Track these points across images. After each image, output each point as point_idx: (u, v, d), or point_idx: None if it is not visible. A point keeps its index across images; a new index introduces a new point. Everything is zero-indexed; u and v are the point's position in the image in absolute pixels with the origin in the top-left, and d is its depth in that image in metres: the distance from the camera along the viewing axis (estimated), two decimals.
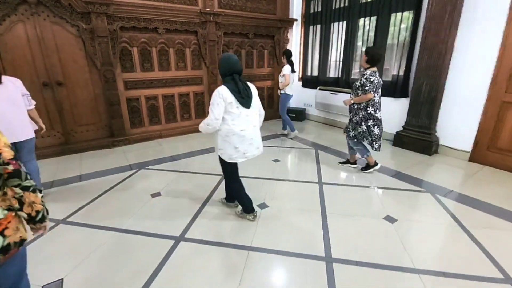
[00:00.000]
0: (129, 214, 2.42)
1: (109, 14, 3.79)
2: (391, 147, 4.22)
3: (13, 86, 2.32)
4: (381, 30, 4.28)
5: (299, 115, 5.93)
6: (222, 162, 2.17)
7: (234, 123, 2.00)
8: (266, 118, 5.26)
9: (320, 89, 5.51)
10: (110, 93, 4.09)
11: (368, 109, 2.95)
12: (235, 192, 2.33)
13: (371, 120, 2.97)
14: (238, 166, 2.27)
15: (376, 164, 3.26)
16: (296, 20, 5.70)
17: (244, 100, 2.00)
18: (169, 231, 2.18)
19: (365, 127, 3.01)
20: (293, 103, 6.18)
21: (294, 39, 5.88)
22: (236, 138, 2.04)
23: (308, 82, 5.87)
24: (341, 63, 5.08)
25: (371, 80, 2.80)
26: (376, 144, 3.08)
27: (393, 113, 4.36)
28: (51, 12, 3.55)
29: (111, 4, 3.74)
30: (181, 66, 4.71)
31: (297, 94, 6.09)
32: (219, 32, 4.85)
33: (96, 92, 4.07)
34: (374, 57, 2.84)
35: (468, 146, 3.61)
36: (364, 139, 3.09)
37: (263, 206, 2.57)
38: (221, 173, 2.42)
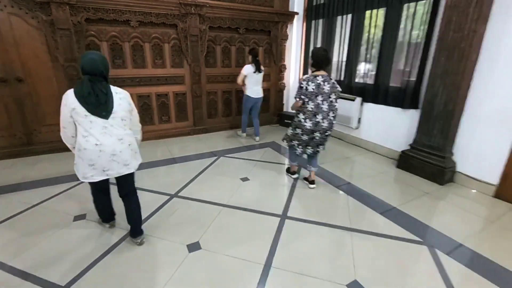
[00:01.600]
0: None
1: (72, 4, 3.42)
2: (393, 169, 3.43)
3: None
4: (391, 25, 3.47)
5: None
6: None
7: (86, 134, 1.64)
8: (260, 123, 4.81)
9: None
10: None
11: (298, 115, 2.64)
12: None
13: (299, 129, 2.65)
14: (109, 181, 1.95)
15: (294, 173, 3.14)
16: (297, 13, 5.00)
17: (94, 107, 1.60)
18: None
19: (292, 132, 2.79)
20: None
21: (295, 35, 5.19)
22: (89, 154, 1.66)
23: None
24: (343, 63, 4.32)
25: (301, 85, 2.51)
26: (300, 148, 2.77)
27: (399, 127, 3.56)
28: (11, 4, 3.24)
29: None
30: (159, 63, 4.25)
31: None
32: (203, 26, 4.31)
33: (60, 90, 3.74)
34: (318, 58, 2.48)
35: (494, 178, 2.75)
36: (292, 141, 2.83)
37: (193, 247, 2.00)
38: None
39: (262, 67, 4.05)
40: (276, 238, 2.12)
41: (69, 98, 1.59)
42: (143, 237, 2.03)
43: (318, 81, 2.45)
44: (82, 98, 1.57)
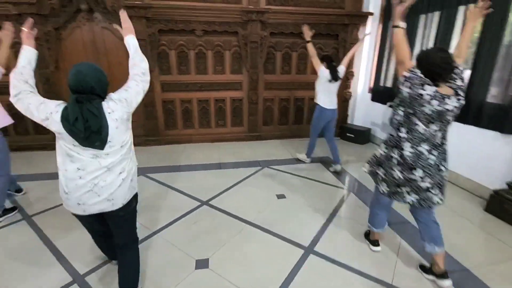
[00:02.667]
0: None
1: (148, 17, 3.86)
2: (480, 212, 2.59)
3: None
4: (493, 21, 2.64)
5: (361, 136, 4.62)
6: None
7: (70, 155, 1.27)
8: (306, 135, 4.40)
9: (390, 106, 4.06)
10: (147, 94, 4.21)
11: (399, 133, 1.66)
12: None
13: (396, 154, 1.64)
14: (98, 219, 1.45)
15: (375, 243, 2.07)
16: (371, 14, 4.40)
17: (83, 138, 1.22)
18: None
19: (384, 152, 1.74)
20: (358, 120, 4.90)
21: (367, 38, 4.58)
22: (67, 179, 1.29)
23: (379, 95, 4.48)
24: None
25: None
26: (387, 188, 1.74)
27: (494, 157, 2.69)
28: (103, 19, 3.89)
29: (151, 7, 3.78)
30: (219, 70, 4.40)
31: (365, 109, 4.79)
32: (265, 32, 4.24)
33: None
34: (435, 65, 1.49)
35: None
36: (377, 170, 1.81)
37: (201, 264, 1.91)
38: None
39: (340, 74, 3.26)
40: (292, 273, 1.84)
41: (54, 118, 1.21)
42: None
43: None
44: (68, 126, 1.19)
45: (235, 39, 4.27)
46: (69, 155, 1.27)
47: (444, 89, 1.48)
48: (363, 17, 4.42)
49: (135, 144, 4.35)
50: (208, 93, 4.47)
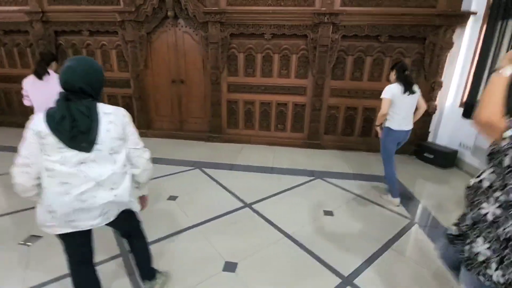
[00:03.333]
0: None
1: (222, 22, 4.09)
2: None
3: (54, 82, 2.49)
4: None
5: (444, 158, 3.86)
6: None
7: (49, 169, 1.13)
8: (373, 149, 3.92)
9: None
10: (214, 94, 4.51)
11: None
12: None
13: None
14: (75, 245, 1.30)
15: None
16: (474, 13, 3.63)
17: (68, 137, 1.10)
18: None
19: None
20: (443, 139, 4.13)
21: (466, 42, 3.81)
22: (51, 196, 1.14)
23: (473, 110, 3.66)
24: None
25: None
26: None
27: None
28: (184, 24, 4.33)
29: (225, 12, 4.01)
30: (284, 73, 4.35)
31: (453, 126, 4.01)
32: (336, 35, 3.98)
33: (205, 92, 4.62)
34: None
35: None
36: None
37: (229, 267, 1.89)
38: None
39: (416, 87, 2.68)
40: None
41: (37, 124, 1.11)
42: (155, 283, 1.64)
43: None
44: (53, 124, 1.09)
45: (303, 43, 4.14)
46: (48, 169, 1.12)
47: None
48: (462, 17, 3.69)
49: (199, 139, 4.60)
50: (271, 96, 4.47)
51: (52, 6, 4.45)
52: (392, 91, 2.61)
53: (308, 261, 1.99)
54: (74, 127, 1.10)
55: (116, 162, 1.24)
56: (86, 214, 1.20)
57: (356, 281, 1.81)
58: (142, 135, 4.35)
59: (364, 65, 4.18)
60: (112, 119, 1.21)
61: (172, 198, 2.80)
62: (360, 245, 2.18)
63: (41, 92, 2.51)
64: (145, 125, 4.89)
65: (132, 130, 1.31)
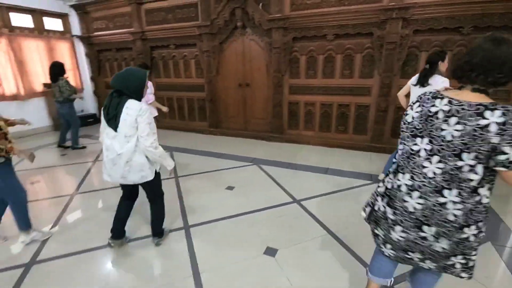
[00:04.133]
0: None
1: (285, 27, 4.30)
2: None
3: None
4: None
5: None
6: None
7: (104, 136, 1.83)
8: None
9: None
10: (276, 96, 4.75)
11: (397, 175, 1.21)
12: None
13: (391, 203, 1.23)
14: (124, 188, 2.05)
15: None
16: None
17: (106, 119, 1.76)
18: None
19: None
20: None
21: None
22: (104, 154, 1.85)
23: None
24: None
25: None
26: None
27: None
28: (251, 32, 4.71)
29: (288, 18, 4.21)
30: (347, 74, 4.25)
31: None
32: (406, 30, 3.69)
33: (268, 94, 4.91)
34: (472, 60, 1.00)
35: None
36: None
37: (269, 252, 2.06)
38: None
39: (430, 80, 2.58)
40: None
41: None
42: (159, 240, 2.16)
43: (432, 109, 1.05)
44: (103, 110, 1.78)
45: (369, 41, 3.97)
46: (104, 137, 1.84)
47: None
48: None
49: (261, 138, 4.96)
50: (332, 97, 4.43)
51: (149, 26, 5.49)
52: (411, 79, 2.81)
53: (347, 259, 1.99)
54: (108, 114, 1.74)
55: (129, 142, 1.75)
56: (115, 173, 1.81)
57: (397, 287, 1.74)
58: (211, 133, 4.99)
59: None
60: (129, 112, 1.70)
61: (230, 188, 3.15)
62: None
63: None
64: (215, 125, 5.49)
65: (143, 121, 1.72)
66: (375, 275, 1.46)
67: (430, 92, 1.11)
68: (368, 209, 1.36)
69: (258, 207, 2.71)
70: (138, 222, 2.48)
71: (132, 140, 1.74)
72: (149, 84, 3.21)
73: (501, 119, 0.89)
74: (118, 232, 2.10)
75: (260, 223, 2.44)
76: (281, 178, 3.38)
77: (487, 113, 0.91)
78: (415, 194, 1.08)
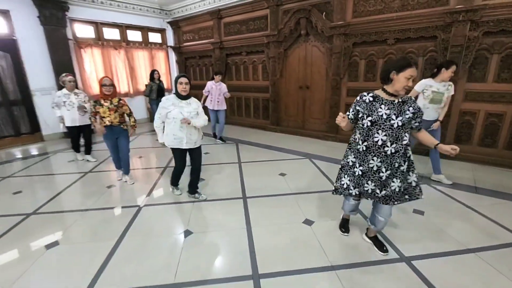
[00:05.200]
0: None
1: (346, 34, 4.60)
2: None
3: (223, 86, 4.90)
4: None
5: None
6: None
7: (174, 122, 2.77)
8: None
9: None
10: (333, 98, 5.07)
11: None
12: None
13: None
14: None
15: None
16: None
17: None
18: None
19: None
20: None
21: None
22: (173, 132, 2.76)
23: None
24: None
25: None
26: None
27: None
28: (313, 39, 5.15)
29: (349, 25, 4.51)
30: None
31: None
32: (475, 33, 3.58)
33: (326, 96, 5.25)
34: None
35: None
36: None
37: (307, 222, 2.51)
38: None
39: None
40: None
41: (170, 98, 2.69)
42: (197, 196, 3.03)
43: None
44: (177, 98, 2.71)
45: (432, 44, 3.96)
46: (175, 123, 2.70)
47: None
48: None
49: (316, 137, 5.46)
50: None
51: (226, 37, 6.45)
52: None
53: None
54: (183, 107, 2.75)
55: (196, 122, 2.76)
56: (187, 140, 2.78)
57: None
58: (272, 130, 5.76)
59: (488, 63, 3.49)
60: (195, 104, 2.80)
61: (282, 174, 3.68)
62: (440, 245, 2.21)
63: (215, 90, 4.43)
64: (276, 123, 6.10)
65: (202, 113, 2.83)
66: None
67: None
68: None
69: (304, 190, 3.18)
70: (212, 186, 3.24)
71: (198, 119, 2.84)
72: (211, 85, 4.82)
73: None
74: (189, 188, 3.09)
75: (304, 202, 2.90)
76: (328, 170, 3.75)
77: None
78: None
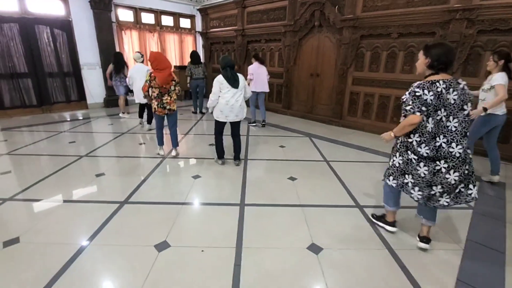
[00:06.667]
0: None
1: (354, 26, 5.00)
2: None
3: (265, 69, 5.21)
4: None
5: None
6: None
7: (224, 97, 3.25)
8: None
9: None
10: (340, 85, 5.52)
11: (411, 136, 1.86)
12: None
13: (412, 153, 1.87)
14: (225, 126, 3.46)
15: (392, 224, 2.24)
16: None
17: (232, 83, 3.19)
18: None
19: (399, 160, 1.96)
20: None
21: None
22: (222, 106, 3.27)
23: None
24: None
25: (417, 94, 1.74)
26: (417, 193, 1.92)
27: None
28: (326, 30, 5.58)
29: (357, 18, 4.90)
30: (407, 69, 4.65)
31: None
32: (470, 30, 3.87)
33: (334, 83, 5.71)
34: (444, 56, 1.74)
35: None
36: (392, 178, 2.05)
37: (291, 179, 3.14)
38: None
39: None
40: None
41: (220, 79, 3.16)
42: (238, 162, 3.55)
43: (438, 89, 1.72)
44: (227, 79, 3.15)
45: (431, 39, 4.28)
46: (224, 96, 3.23)
47: None
48: None
49: (322, 121, 6.04)
50: (390, 90, 4.89)
51: (248, 25, 7.02)
52: (502, 78, 2.87)
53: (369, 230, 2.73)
54: (235, 80, 3.23)
55: (241, 95, 3.32)
56: (232, 114, 3.32)
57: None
58: (283, 113, 6.51)
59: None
60: (241, 78, 3.27)
61: (281, 147, 4.31)
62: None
63: (259, 72, 5.28)
64: (287, 106, 6.66)
65: (245, 83, 3.31)
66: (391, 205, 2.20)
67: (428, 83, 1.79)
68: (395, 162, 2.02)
69: (296, 158, 3.78)
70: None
71: (242, 93, 3.34)
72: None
73: None
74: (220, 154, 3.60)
75: (293, 167, 3.52)
76: (322, 148, 4.30)
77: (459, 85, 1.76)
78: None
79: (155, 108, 3.47)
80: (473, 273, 1.81)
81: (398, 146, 1.99)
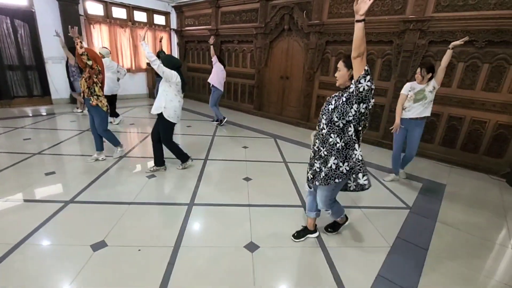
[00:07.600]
0: None
1: (320, 32, 5.16)
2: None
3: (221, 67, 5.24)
4: None
5: None
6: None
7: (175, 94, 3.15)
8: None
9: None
10: (307, 89, 5.67)
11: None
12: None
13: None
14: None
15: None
16: None
17: (184, 84, 3.16)
18: None
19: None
20: None
21: None
22: (177, 107, 3.18)
23: None
24: None
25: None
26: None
27: None
28: (295, 34, 5.71)
29: (323, 24, 5.06)
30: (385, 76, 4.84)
31: None
32: (422, 41, 4.12)
33: (302, 86, 5.85)
34: None
35: None
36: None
37: (247, 178, 3.21)
38: None
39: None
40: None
41: (178, 79, 3.02)
42: (184, 165, 3.43)
43: None
44: (182, 82, 3.09)
45: (389, 48, 4.50)
46: (177, 97, 3.12)
47: None
48: None
49: (291, 123, 6.09)
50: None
51: (222, 25, 7.04)
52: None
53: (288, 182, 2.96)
54: (183, 83, 3.14)
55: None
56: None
57: None
58: (254, 114, 6.54)
59: (454, 71, 4.03)
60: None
61: (245, 147, 4.37)
62: None
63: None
64: (258, 108, 6.74)
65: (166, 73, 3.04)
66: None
67: None
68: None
69: (256, 159, 3.86)
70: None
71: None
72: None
73: None
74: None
75: (251, 168, 3.58)
76: (284, 149, 4.41)
77: None
78: None
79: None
80: (393, 268, 1.95)
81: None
